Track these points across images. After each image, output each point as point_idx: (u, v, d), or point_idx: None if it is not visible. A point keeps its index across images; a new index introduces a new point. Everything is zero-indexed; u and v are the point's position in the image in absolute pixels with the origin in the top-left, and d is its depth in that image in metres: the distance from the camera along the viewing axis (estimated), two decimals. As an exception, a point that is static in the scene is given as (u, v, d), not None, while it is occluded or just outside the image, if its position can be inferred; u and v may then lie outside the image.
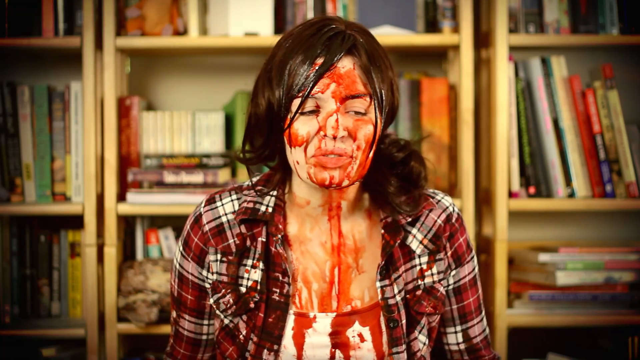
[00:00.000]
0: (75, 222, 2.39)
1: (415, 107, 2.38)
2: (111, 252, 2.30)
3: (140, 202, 2.30)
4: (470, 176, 2.32)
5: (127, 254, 2.43)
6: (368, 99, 1.38)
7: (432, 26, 2.39)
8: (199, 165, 2.34)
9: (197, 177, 2.31)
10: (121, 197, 2.35)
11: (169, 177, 2.31)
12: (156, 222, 2.49)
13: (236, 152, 1.51)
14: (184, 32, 2.37)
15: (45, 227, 2.42)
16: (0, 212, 2.33)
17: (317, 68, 1.37)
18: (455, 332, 1.56)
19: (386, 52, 1.44)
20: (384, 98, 1.40)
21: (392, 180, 1.48)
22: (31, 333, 2.31)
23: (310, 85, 1.37)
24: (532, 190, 2.34)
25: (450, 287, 1.53)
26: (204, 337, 1.55)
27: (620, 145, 2.33)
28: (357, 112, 1.39)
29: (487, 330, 1.59)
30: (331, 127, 1.36)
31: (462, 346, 1.56)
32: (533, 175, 2.35)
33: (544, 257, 2.33)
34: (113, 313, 2.30)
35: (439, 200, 1.53)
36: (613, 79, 2.34)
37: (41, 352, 2.36)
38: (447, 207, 1.53)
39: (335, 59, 1.37)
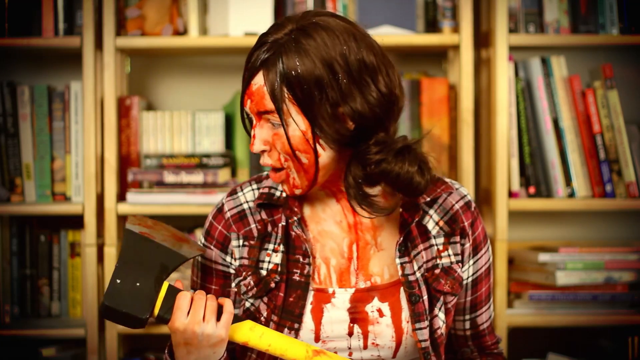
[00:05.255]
0: (75, 222, 2.39)
1: (415, 107, 2.38)
2: (111, 252, 2.30)
3: (140, 202, 2.31)
4: (470, 176, 2.32)
5: (127, 254, 2.43)
6: (276, 114, 1.40)
7: (432, 26, 2.39)
8: (199, 165, 2.34)
9: (197, 177, 2.31)
10: (121, 197, 2.35)
11: (169, 177, 2.31)
12: (156, 222, 2.49)
13: None
14: (184, 32, 2.37)
15: (45, 227, 2.42)
16: (0, 212, 2.33)
17: (243, 84, 1.43)
18: (464, 320, 1.57)
19: (343, 55, 1.38)
20: (309, 110, 1.38)
21: (356, 178, 1.44)
22: (31, 333, 2.31)
23: (241, 102, 1.45)
24: (532, 190, 2.34)
25: (470, 279, 1.54)
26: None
27: (620, 145, 2.33)
28: (273, 126, 1.41)
29: (493, 315, 1.61)
30: (251, 144, 1.43)
31: (469, 332, 1.58)
32: (533, 175, 2.35)
33: (544, 257, 2.33)
34: (113, 313, 2.30)
35: (458, 188, 1.54)
36: (613, 79, 2.34)
37: (41, 352, 2.36)
38: (466, 195, 1.54)
39: (250, 76, 1.41)
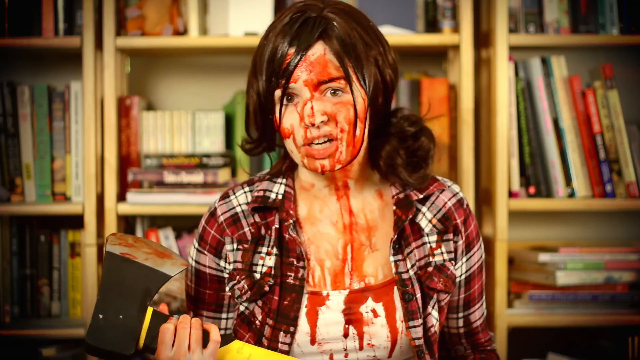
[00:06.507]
0: (75, 222, 2.39)
1: (415, 107, 2.38)
2: (111, 252, 2.30)
3: (140, 202, 2.31)
4: (470, 176, 2.32)
5: (127, 254, 2.43)
6: (343, 81, 1.40)
7: (432, 26, 2.39)
8: (199, 165, 2.34)
9: (197, 177, 2.31)
10: (121, 197, 2.35)
11: (169, 177, 2.31)
12: (156, 222, 2.49)
13: (240, 144, 1.55)
14: (184, 32, 2.37)
15: (45, 227, 2.42)
16: (0, 212, 2.33)
17: (290, 59, 1.40)
18: (457, 318, 1.58)
19: (373, 27, 1.46)
20: (365, 76, 1.42)
21: (401, 152, 1.49)
22: (31, 333, 2.31)
23: (286, 77, 1.40)
24: (532, 190, 2.35)
25: (463, 276, 1.55)
26: (222, 332, 1.55)
27: (620, 145, 2.33)
28: (335, 95, 1.41)
29: (485, 312, 1.62)
30: (307, 115, 1.40)
31: (462, 330, 1.60)
32: (533, 175, 2.35)
33: (544, 257, 2.33)
34: (113, 313, 2.30)
35: (450, 185, 1.56)
36: (613, 79, 2.34)
37: (41, 352, 2.36)
38: (458, 193, 1.56)
39: (305, 47, 1.39)
